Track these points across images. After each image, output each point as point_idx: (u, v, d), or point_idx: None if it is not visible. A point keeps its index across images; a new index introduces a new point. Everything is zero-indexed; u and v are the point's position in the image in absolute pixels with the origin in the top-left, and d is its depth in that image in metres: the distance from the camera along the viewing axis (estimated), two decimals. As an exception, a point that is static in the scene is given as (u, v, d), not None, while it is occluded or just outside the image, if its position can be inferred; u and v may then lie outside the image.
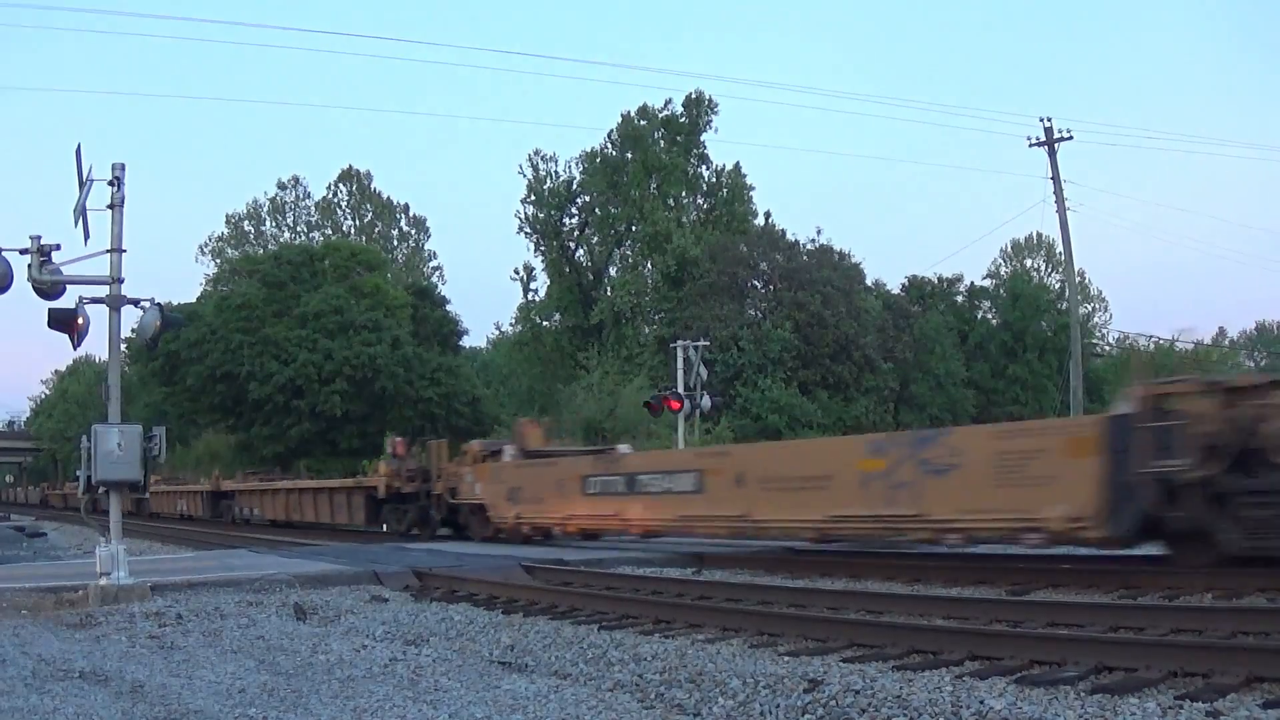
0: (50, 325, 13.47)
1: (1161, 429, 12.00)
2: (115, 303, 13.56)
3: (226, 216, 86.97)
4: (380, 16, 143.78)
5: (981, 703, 6.60)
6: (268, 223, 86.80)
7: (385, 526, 28.36)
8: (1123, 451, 12.33)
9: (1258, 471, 11.48)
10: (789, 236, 57.89)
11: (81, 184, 13.31)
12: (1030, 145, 44.28)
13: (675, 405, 32.70)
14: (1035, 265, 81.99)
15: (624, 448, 23.25)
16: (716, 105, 60.80)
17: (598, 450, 23.53)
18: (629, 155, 60.06)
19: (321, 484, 34.03)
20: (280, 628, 11.18)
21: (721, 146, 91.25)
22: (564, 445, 27.06)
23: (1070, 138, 44.04)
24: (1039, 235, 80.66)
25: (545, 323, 65.22)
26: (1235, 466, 11.65)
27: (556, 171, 64.58)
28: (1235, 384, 12.39)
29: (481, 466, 23.89)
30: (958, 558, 15.10)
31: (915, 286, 65.86)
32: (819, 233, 59.43)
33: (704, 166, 62.11)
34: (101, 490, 13.70)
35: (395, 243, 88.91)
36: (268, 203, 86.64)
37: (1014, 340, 63.86)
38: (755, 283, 55.26)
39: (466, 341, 69.96)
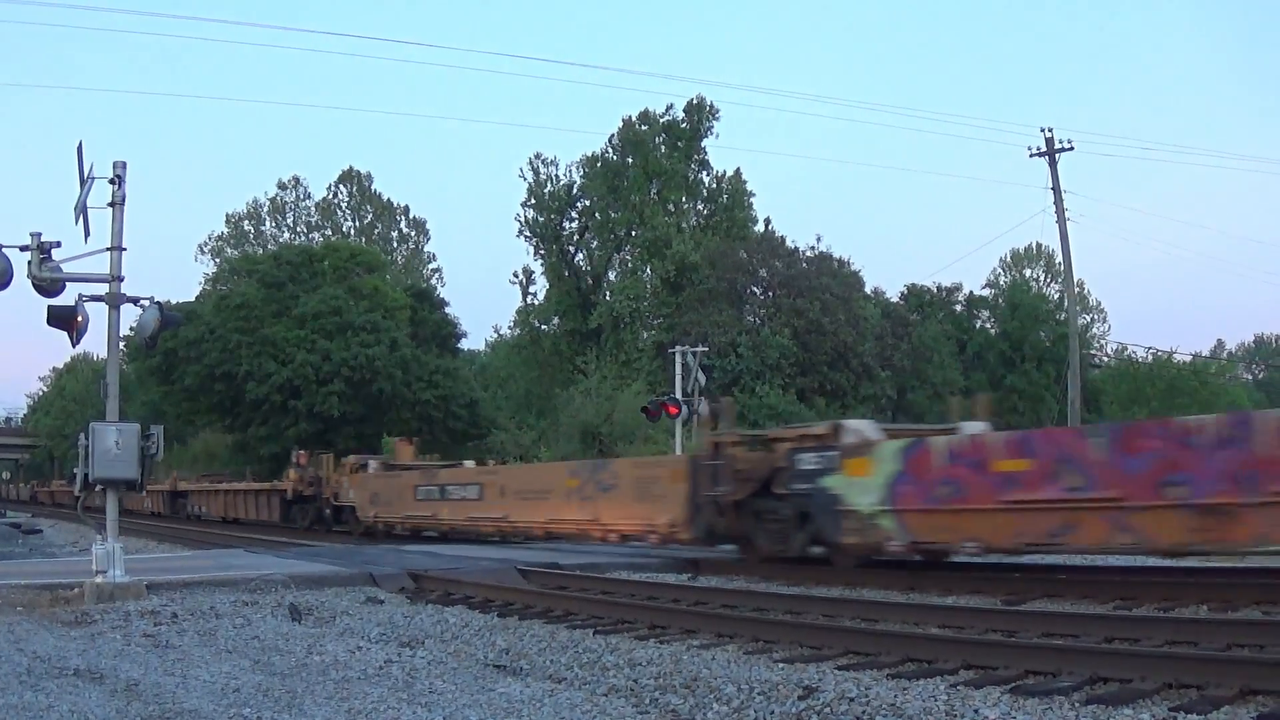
0: (49, 322, 13.47)
1: (714, 466, 17.35)
2: (115, 301, 13.56)
3: (226, 216, 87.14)
4: (382, 18, 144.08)
5: (976, 712, 6.61)
6: (267, 223, 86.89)
7: (298, 522, 34.24)
8: (696, 481, 17.67)
9: (775, 495, 16.28)
10: (788, 243, 57.92)
11: (82, 182, 13.32)
12: (1031, 155, 44.36)
13: (673, 411, 32.68)
14: (1034, 275, 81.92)
15: (469, 463, 30.38)
16: (718, 111, 60.85)
17: (426, 466, 30.21)
18: (629, 160, 60.07)
19: (249, 486, 39.85)
20: (275, 628, 11.18)
21: (722, 152, 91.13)
22: (426, 461, 32.25)
23: (1071, 148, 44.12)
24: (1038, 245, 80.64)
25: (544, 326, 65.21)
26: (761, 491, 16.54)
27: (557, 175, 64.64)
28: (766, 435, 18.31)
29: (354, 476, 30.28)
30: (952, 567, 15.12)
31: (914, 295, 65.86)
32: (818, 240, 59.61)
33: (704, 172, 62.13)
34: (98, 488, 13.69)
35: (395, 244, 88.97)
36: (268, 203, 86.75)
37: (1012, 350, 63.82)
38: (754, 289, 55.27)
39: (465, 344, 70.02)
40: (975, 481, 13.58)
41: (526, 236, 64.30)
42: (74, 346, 14.69)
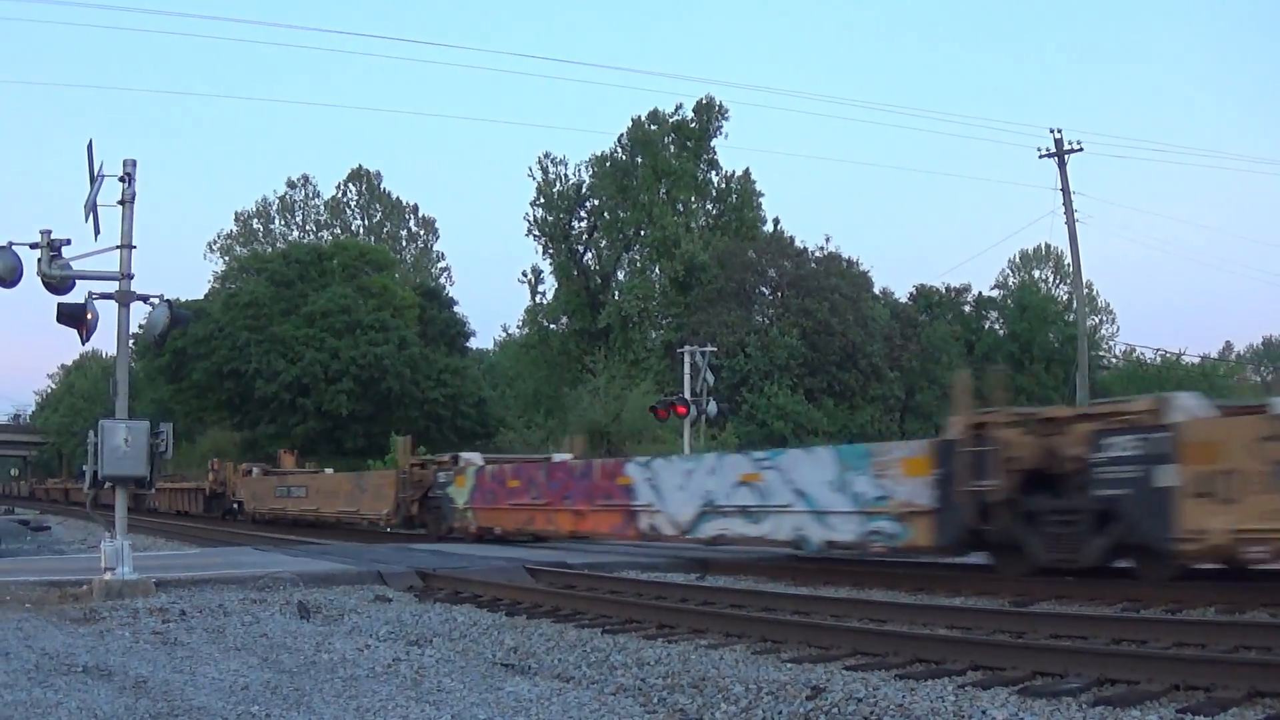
0: (59, 320, 13.49)
1: (403, 477, 24.86)
2: (124, 299, 13.59)
3: (236, 214, 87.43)
4: (393, 18, 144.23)
5: (984, 713, 6.60)
6: (277, 221, 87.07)
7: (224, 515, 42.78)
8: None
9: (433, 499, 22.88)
10: (797, 244, 58.00)
11: (92, 180, 13.34)
12: (1040, 156, 44.28)
13: (681, 410, 32.72)
14: (1043, 276, 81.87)
15: (329, 471, 37.96)
16: (727, 111, 60.92)
17: (294, 472, 39.85)
18: (639, 160, 60.12)
19: (183, 486, 49.05)
20: (284, 626, 11.20)
21: (731, 152, 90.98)
22: (296, 469, 41.24)
23: (1080, 149, 44.02)
24: (1047, 246, 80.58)
25: (552, 326, 65.27)
26: (426, 495, 23.50)
27: (566, 175, 64.74)
28: (431, 460, 24.91)
29: (244, 479, 40.80)
30: (961, 568, 15.08)
31: (923, 296, 65.80)
32: (827, 240, 59.80)
33: (713, 172, 62.18)
34: (106, 485, 13.73)
35: (404, 243, 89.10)
36: (277, 201, 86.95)
37: (1021, 351, 63.71)
38: (763, 289, 55.29)
39: (473, 343, 70.17)
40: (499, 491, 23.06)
41: (535, 236, 64.43)
42: (83, 344, 14.75)
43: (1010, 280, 78.51)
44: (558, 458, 24.87)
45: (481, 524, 23.26)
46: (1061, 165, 43.63)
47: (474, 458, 25.75)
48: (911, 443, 16.81)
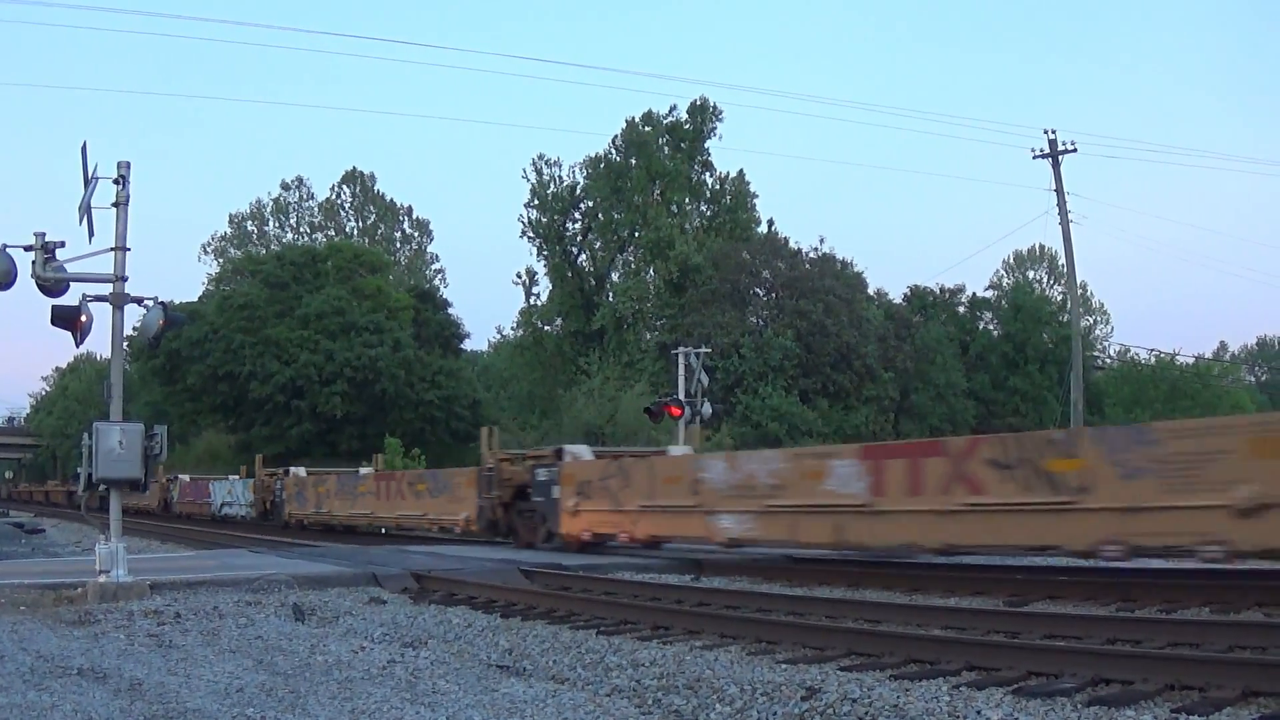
0: (53, 322, 13.47)
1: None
2: (119, 301, 13.57)
3: (230, 216, 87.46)
4: (386, 19, 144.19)
5: (978, 713, 6.61)
6: (271, 223, 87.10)
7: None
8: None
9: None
10: (791, 245, 58.04)
11: (86, 182, 13.32)
12: (1034, 157, 44.38)
13: (676, 412, 32.63)
14: (1037, 277, 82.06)
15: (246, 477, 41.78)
16: (721, 112, 60.98)
17: (215, 478, 45.54)
18: (633, 161, 60.13)
19: None
20: (279, 628, 11.19)
21: (725, 154, 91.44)
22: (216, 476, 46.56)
23: (1074, 150, 44.12)
24: (1041, 247, 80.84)
25: (547, 327, 65.24)
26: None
27: (560, 176, 64.77)
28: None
29: (172, 483, 47.43)
30: (957, 568, 15.11)
31: (917, 296, 65.88)
32: (821, 241, 59.77)
33: (707, 173, 62.22)
34: (102, 488, 13.72)
35: (398, 245, 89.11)
36: (271, 203, 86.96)
37: (1015, 351, 63.81)
38: (757, 290, 55.31)
39: (468, 345, 70.19)
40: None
41: (530, 237, 64.43)
42: (77, 346, 14.71)
43: (1004, 281, 78.68)
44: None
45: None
46: (1055, 166, 43.72)
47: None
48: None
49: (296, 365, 53.51)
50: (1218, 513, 11.41)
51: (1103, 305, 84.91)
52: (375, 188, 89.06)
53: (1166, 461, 12.01)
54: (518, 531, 22.48)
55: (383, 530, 30.23)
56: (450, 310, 67.50)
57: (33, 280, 13.20)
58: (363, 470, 34.38)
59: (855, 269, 57.97)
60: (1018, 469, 13.45)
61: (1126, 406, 55.09)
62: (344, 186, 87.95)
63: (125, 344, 15.25)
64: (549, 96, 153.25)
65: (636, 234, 59.79)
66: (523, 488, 22.39)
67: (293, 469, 37.89)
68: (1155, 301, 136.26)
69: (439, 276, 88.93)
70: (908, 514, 14.58)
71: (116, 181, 13.53)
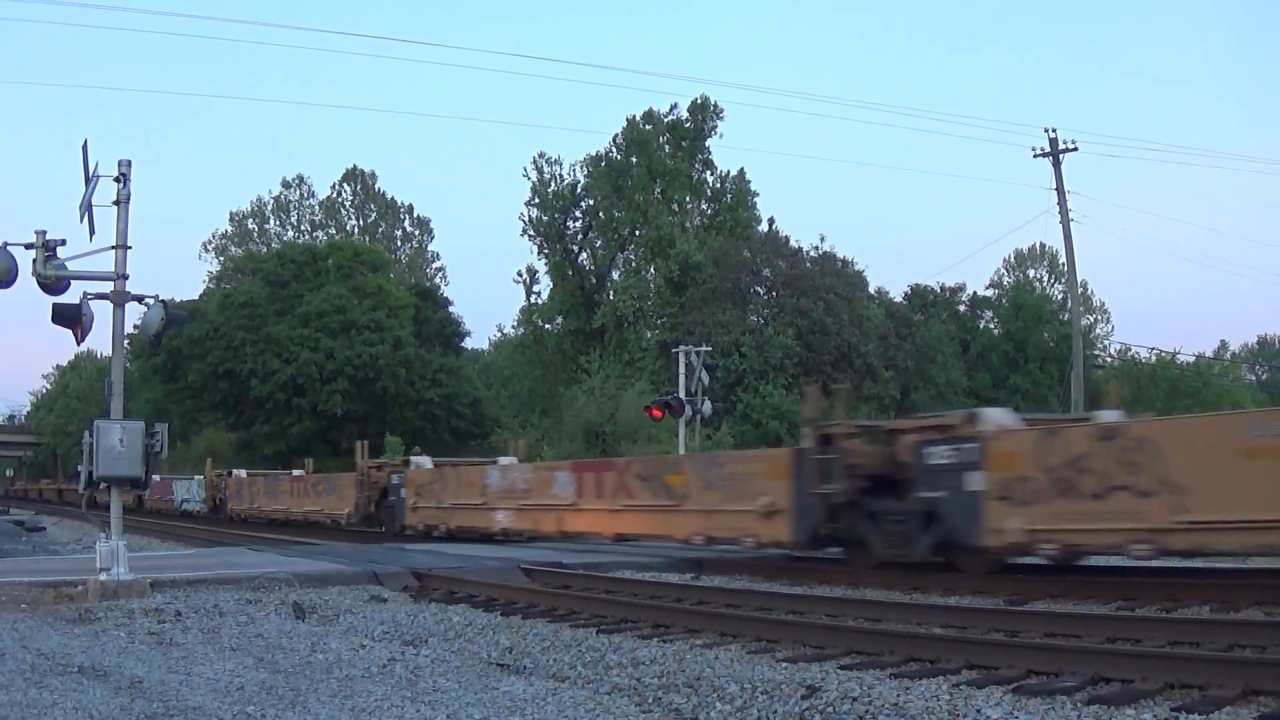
0: (54, 320, 13.46)
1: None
2: (120, 299, 13.57)
3: (230, 214, 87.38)
4: (387, 17, 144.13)
5: (978, 711, 6.61)
6: (271, 221, 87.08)
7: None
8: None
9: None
10: (792, 243, 57.95)
11: (87, 180, 13.32)
12: (1035, 156, 44.35)
13: (677, 410, 32.70)
14: (1038, 275, 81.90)
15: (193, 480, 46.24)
16: (722, 111, 60.93)
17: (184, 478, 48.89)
18: (634, 159, 60.11)
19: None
20: (279, 626, 11.19)
21: (726, 152, 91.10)
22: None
23: (1075, 149, 44.11)
24: (1042, 246, 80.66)
25: (547, 325, 65.22)
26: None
27: (561, 175, 64.74)
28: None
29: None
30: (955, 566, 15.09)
31: (918, 295, 65.83)
32: (822, 240, 59.68)
33: (708, 172, 62.19)
34: (102, 485, 13.72)
35: (399, 243, 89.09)
36: (272, 201, 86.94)
37: (1016, 350, 63.77)
38: (758, 289, 55.27)
39: (468, 343, 70.24)
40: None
41: (530, 236, 64.40)
42: (78, 344, 14.70)
43: (1005, 280, 78.60)
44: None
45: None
46: (1056, 165, 43.71)
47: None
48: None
49: (297, 363, 53.53)
50: (750, 515, 16.57)
51: (1103, 304, 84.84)
52: (376, 186, 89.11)
53: (728, 479, 17.36)
54: (384, 524, 27.71)
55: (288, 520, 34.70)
56: (451, 309, 67.57)
57: (33, 278, 13.19)
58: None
59: (856, 267, 57.96)
60: (651, 481, 19.16)
61: (1127, 405, 54.98)
62: (345, 185, 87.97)
63: (126, 342, 15.26)
64: (550, 95, 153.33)
65: (637, 232, 59.77)
66: (385, 490, 27.89)
67: (237, 470, 43.35)
68: (1156, 300, 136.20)
69: (439, 275, 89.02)
70: (595, 511, 20.37)
71: (117, 179, 13.52)
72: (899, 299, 64.24)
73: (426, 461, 27.59)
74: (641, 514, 19.23)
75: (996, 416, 14.13)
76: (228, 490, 41.20)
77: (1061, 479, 12.57)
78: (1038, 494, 12.77)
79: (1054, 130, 43.91)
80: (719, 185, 62.36)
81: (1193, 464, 11.36)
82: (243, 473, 42.18)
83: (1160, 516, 11.52)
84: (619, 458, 28.45)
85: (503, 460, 26.28)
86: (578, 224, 64.56)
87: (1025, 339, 64.02)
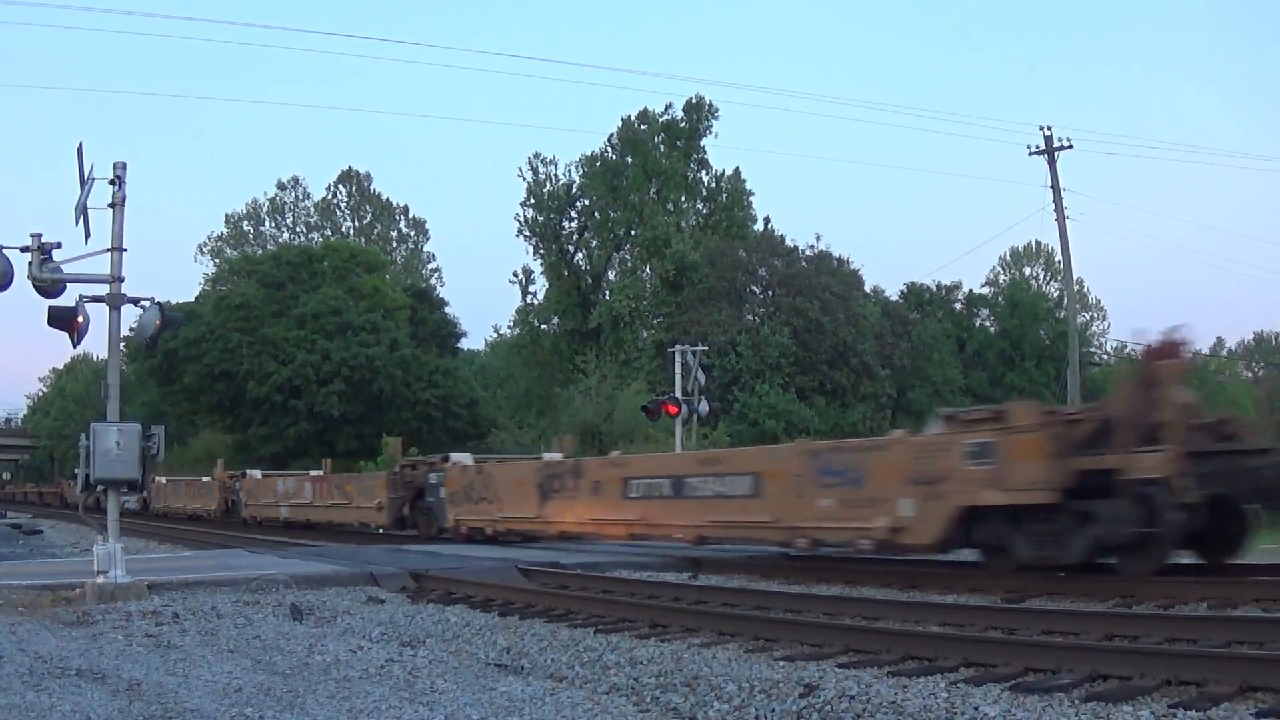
0: (50, 323, 13.47)
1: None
2: (115, 301, 13.57)
3: (226, 216, 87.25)
4: (381, 18, 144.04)
5: (976, 709, 6.62)
6: (267, 223, 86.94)
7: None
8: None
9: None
10: (788, 242, 57.88)
11: (83, 182, 13.32)
12: (1030, 154, 44.37)
13: (673, 410, 32.69)
14: (1034, 273, 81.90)
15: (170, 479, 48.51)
16: (717, 110, 60.82)
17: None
18: (629, 159, 60.03)
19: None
20: (277, 628, 11.20)
21: (721, 152, 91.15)
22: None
23: (1070, 146, 44.14)
24: (1038, 243, 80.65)
25: (543, 326, 65.12)
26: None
27: (556, 175, 64.56)
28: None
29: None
30: (952, 565, 15.12)
31: (914, 294, 65.82)
32: (818, 239, 59.44)
33: (704, 171, 62.10)
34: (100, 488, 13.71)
35: (394, 244, 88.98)
36: (267, 203, 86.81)
37: (1012, 348, 63.75)
38: (754, 288, 55.24)
39: (464, 344, 70.17)
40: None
41: (526, 236, 64.28)
42: (74, 347, 14.71)
43: (1001, 277, 78.62)
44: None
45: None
46: (1051, 162, 43.75)
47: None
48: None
49: (293, 365, 53.47)
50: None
51: (1099, 301, 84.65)
52: (371, 187, 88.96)
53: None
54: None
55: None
56: (447, 309, 67.53)
57: (29, 281, 13.21)
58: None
59: (852, 266, 57.89)
60: (333, 484, 29.12)
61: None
62: (340, 186, 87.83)
63: (122, 344, 15.24)
64: (545, 95, 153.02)
65: (633, 232, 59.70)
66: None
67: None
68: (1152, 297, 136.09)
69: (435, 276, 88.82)
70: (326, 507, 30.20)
71: (113, 182, 13.52)
72: (895, 297, 64.25)
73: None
74: (325, 509, 29.15)
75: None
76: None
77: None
78: None
79: (1049, 128, 43.99)
80: (714, 185, 62.29)
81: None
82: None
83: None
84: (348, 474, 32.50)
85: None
86: (573, 224, 64.47)
87: (1021, 337, 64.00)
